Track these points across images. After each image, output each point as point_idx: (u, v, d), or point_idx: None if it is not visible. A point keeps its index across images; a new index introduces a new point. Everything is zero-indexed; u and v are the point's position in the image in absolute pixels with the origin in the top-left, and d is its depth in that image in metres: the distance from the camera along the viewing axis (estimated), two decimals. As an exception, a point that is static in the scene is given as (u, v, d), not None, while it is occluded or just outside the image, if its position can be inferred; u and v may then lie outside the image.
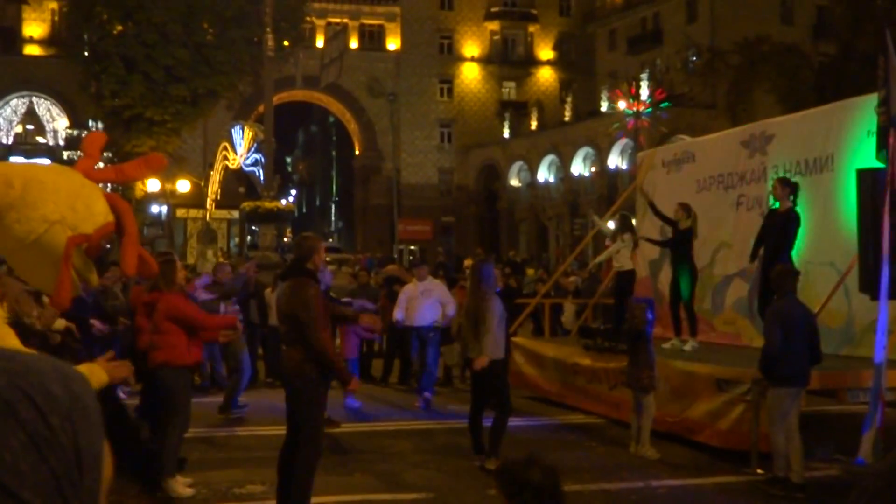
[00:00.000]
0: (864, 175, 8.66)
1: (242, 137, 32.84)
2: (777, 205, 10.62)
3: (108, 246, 3.35)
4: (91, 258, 3.33)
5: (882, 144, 8.63)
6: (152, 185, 38.33)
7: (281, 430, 7.40)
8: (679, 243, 11.89)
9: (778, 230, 10.29)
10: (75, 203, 3.29)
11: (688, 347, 11.66)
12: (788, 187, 10.42)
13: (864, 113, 10.64)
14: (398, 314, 13.61)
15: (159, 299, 8.37)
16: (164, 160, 3.89)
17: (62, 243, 3.25)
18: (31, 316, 8.38)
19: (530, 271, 24.97)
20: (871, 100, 10.62)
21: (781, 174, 11.50)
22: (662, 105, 43.30)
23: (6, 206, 3.23)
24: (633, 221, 14.10)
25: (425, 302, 13.41)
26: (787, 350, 8.08)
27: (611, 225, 14.22)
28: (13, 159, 49.30)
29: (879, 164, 8.71)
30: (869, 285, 8.21)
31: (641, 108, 42.77)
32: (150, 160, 3.87)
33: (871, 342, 9.90)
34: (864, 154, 10.18)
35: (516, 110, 61.36)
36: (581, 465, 9.43)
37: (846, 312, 10.39)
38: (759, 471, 8.78)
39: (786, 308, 8.30)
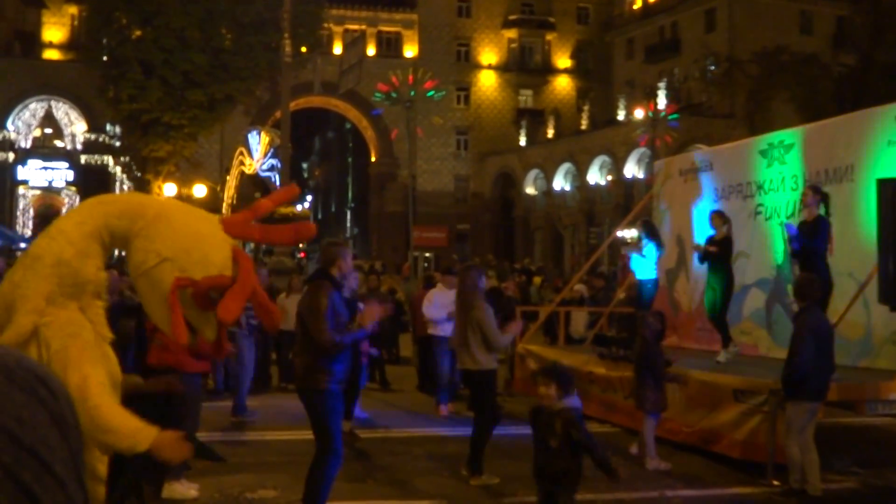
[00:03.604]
0: (884, 185, 8.56)
1: (259, 143, 32.97)
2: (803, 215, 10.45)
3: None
4: (198, 307, 3.36)
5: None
6: (169, 189, 38.47)
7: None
8: (719, 253, 11.58)
9: (812, 239, 10.09)
10: (192, 247, 3.38)
11: (721, 359, 11.41)
12: (819, 195, 10.21)
13: (884, 122, 10.54)
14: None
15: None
16: (313, 230, 3.97)
17: (168, 281, 3.35)
18: None
19: (537, 280, 24.78)
20: (892, 109, 10.55)
21: (802, 184, 11.41)
22: (671, 116, 43.13)
23: (133, 234, 3.42)
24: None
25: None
26: (816, 364, 7.98)
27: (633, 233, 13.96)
28: (31, 162, 49.67)
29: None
30: (888, 296, 8.12)
31: (663, 114, 42.50)
32: (300, 229, 3.93)
33: (890, 354, 9.81)
34: (885, 164, 10.08)
35: (533, 118, 61.31)
36: (596, 475, 9.30)
37: (865, 324, 10.27)
38: (775, 482, 8.68)
39: (815, 321, 8.18)
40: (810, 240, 9.88)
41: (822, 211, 10.11)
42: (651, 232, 12.78)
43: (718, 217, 11.59)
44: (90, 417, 3.24)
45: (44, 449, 0.72)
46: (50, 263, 3.44)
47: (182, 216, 3.55)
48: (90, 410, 3.25)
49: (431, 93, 40.89)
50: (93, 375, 3.38)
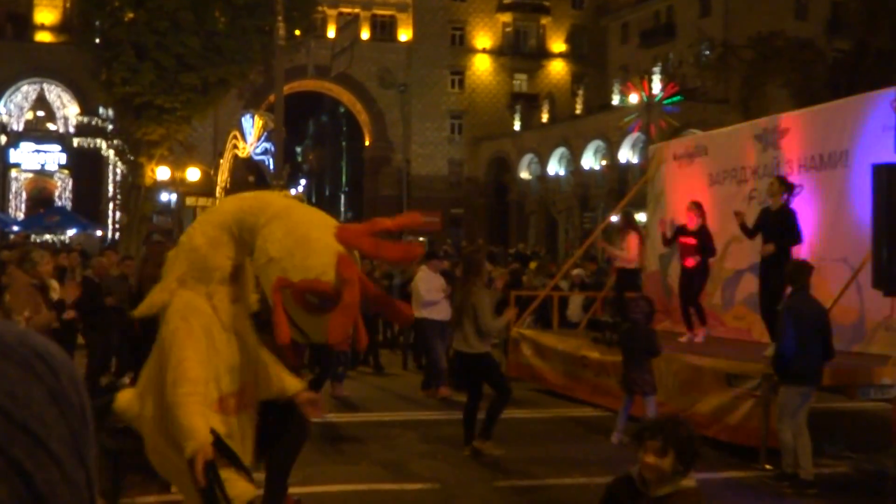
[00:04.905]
0: (879, 170, 8.55)
1: (253, 126, 32.87)
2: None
3: (318, 303, 3.52)
4: (302, 308, 3.50)
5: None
6: (162, 172, 38.34)
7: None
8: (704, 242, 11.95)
9: (778, 229, 10.21)
10: (295, 250, 3.58)
11: (684, 339, 11.81)
12: (784, 186, 10.39)
13: (879, 108, 10.54)
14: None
15: None
16: (420, 251, 4.24)
17: (272, 280, 3.60)
18: (20, 314, 8.27)
19: (532, 264, 24.73)
20: (888, 94, 10.54)
21: (796, 169, 11.43)
22: (674, 99, 43.05)
23: (257, 230, 3.70)
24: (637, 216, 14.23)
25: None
26: (800, 348, 8.01)
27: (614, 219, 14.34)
28: (23, 145, 49.45)
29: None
30: (882, 281, 8.12)
31: (656, 97, 42.45)
32: (409, 249, 4.11)
33: (883, 339, 9.84)
34: (880, 149, 10.07)
35: (527, 103, 61.18)
36: (588, 458, 9.38)
37: (858, 309, 10.31)
38: (767, 466, 8.72)
39: (798, 305, 8.24)
40: (785, 231, 10.08)
41: (783, 201, 10.31)
42: (630, 222, 13.30)
43: (697, 208, 11.94)
44: (171, 404, 3.64)
45: (37, 425, 0.71)
46: (186, 249, 3.90)
47: (297, 217, 3.73)
48: (174, 396, 3.65)
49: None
50: (190, 359, 3.70)
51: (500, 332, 11.01)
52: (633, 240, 13.04)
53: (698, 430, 9.86)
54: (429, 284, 13.42)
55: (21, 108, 50.98)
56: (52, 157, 50.10)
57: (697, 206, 11.98)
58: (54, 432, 0.72)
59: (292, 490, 6.99)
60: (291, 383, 4.63)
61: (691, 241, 11.87)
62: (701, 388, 10.09)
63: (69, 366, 0.77)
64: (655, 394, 9.69)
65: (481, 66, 61.52)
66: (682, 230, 12.07)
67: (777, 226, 10.20)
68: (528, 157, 58.39)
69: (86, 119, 49.45)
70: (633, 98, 44.76)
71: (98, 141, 48.71)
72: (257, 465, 4.95)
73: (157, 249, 8.55)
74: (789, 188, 10.40)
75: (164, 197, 43.36)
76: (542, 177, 56.89)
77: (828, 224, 10.85)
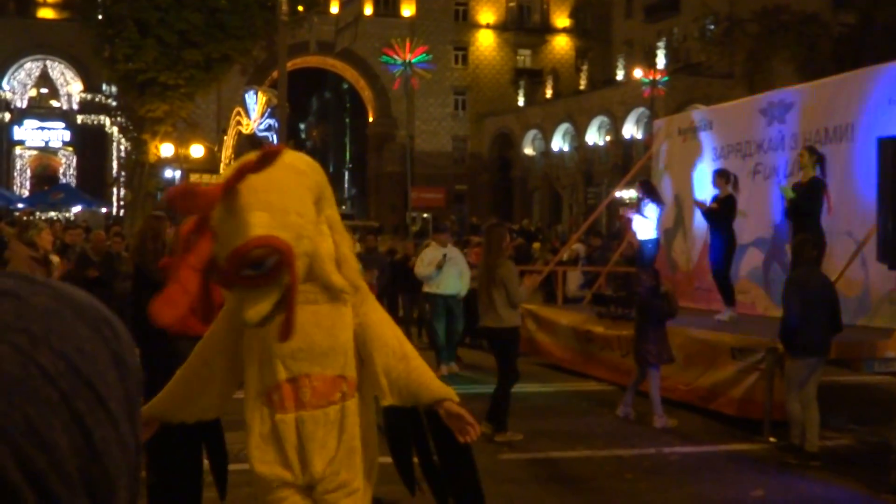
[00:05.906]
0: (885, 144, 8.54)
1: (256, 103, 32.84)
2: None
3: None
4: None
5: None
6: (166, 149, 38.33)
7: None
8: (720, 211, 11.59)
9: (803, 200, 10.17)
10: None
11: (723, 317, 11.54)
12: (816, 155, 10.32)
13: (884, 81, 10.51)
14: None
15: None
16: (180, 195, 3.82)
17: None
18: None
19: (536, 245, 24.65)
20: (892, 68, 10.51)
21: (801, 143, 11.40)
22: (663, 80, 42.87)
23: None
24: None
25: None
26: (806, 320, 8.05)
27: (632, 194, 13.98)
28: (27, 122, 49.44)
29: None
30: (887, 255, 8.13)
31: (658, 77, 42.32)
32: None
33: (888, 312, 9.86)
34: (886, 123, 10.05)
35: (531, 78, 60.94)
36: (593, 432, 9.44)
37: (863, 282, 10.32)
38: (771, 439, 8.78)
39: (804, 278, 8.28)
40: (805, 201, 10.00)
41: (816, 172, 10.22)
42: (650, 191, 12.85)
43: (721, 176, 11.67)
44: None
45: (101, 384, 0.74)
46: None
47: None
48: None
49: (422, 56, 40.60)
50: (201, 341, 3.78)
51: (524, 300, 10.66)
52: (651, 210, 12.63)
53: (703, 403, 9.98)
54: (424, 259, 13.37)
55: (24, 85, 50.93)
56: (56, 133, 50.12)
57: (723, 174, 11.80)
58: (114, 393, 0.75)
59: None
60: (430, 389, 3.78)
61: (714, 206, 11.60)
62: (706, 362, 10.13)
63: (127, 333, 0.80)
64: (667, 363, 9.71)
65: (485, 41, 61.24)
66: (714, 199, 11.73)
67: (806, 198, 10.09)
68: (532, 133, 58.25)
69: (89, 96, 49.39)
70: (638, 73, 44.60)
71: (102, 118, 48.68)
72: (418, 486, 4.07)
73: (156, 224, 8.49)
74: (820, 158, 10.28)
75: (168, 174, 43.35)
76: (546, 152, 56.79)
77: (833, 198, 10.83)
